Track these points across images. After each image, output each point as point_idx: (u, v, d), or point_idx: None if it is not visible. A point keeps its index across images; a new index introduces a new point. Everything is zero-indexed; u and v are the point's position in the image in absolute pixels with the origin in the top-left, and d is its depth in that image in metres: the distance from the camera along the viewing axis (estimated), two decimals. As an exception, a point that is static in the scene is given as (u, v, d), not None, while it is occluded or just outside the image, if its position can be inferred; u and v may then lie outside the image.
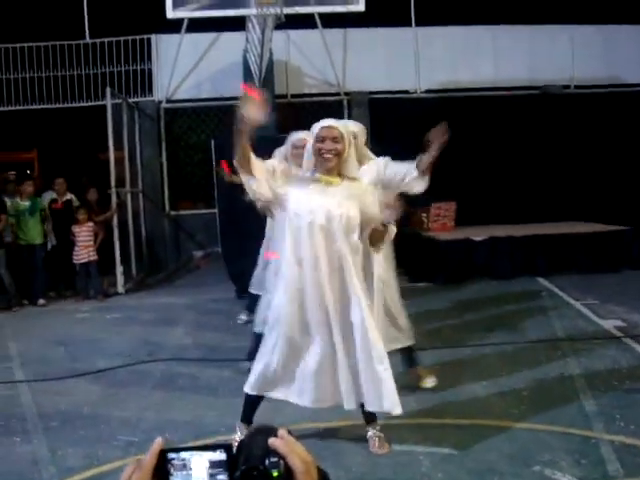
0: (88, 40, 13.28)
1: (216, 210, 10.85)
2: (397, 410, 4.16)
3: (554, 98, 13.69)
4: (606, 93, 13.77)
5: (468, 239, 10.88)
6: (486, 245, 10.81)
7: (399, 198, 4.32)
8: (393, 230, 4.47)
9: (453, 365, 6.16)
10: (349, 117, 13.53)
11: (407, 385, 5.43)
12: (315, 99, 13.66)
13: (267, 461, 1.04)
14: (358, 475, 4.00)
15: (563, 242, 10.91)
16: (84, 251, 10.52)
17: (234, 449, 1.08)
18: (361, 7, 10.60)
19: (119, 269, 11.00)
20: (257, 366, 4.28)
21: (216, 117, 13.59)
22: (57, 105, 13.31)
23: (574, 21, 13.72)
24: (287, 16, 10.08)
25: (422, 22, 13.59)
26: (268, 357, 4.22)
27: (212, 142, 11.12)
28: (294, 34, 13.20)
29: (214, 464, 1.07)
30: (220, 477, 1.07)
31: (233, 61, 12.60)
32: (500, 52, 13.70)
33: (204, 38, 13.27)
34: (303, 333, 4.18)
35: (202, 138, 13.36)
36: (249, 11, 9.93)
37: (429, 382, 5.50)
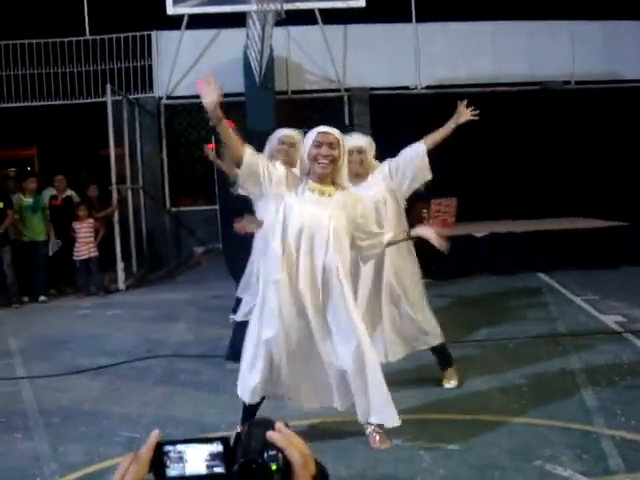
0: (88, 37, 13.28)
1: (217, 206, 10.86)
2: (389, 422, 4.17)
3: (554, 94, 13.67)
4: (606, 89, 13.75)
5: (469, 235, 10.88)
6: (487, 241, 10.82)
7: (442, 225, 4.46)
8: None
9: (454, 360, 6.15)
10: (349, 113, 13.56)
11: (408, 380, 5.45)
12: (315, 95, 13.65)
13: (265, 454, 1.04)
14: (359, 471, 4.00)
15: (563, 238, 10.92)
16: (84, 247, 10.52)
17: (231, 442, 1.08)
18: (361, 3, 10.57)
19: (120, 265, 11.01)
20: (250, 374, 4.27)
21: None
22: (57, 102, 13.31)
23: (574, 17, 13.71)
24: (287, 12, 10.06)
25: (422, 18, 13.58)
26: (258, 362, 4.23)
27: (212, 138, 11.10)
28: (294, 30, 13.19)
29: (211, 456, 1.07)
30: (217, 470, 1.07)
31: (233, 57, 12.59)
32: (500, 48, 13.68)
33: (204, 34, 13.26)
34: (287, 343, 4.18)
35: (202, 134, 13.34)
36: (249, 7, 9.91)
37: (451, 383, 5.47)
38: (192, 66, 13.38)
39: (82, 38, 13.27)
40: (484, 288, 9.67)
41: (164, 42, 13.48)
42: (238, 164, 4.18)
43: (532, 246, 10.82)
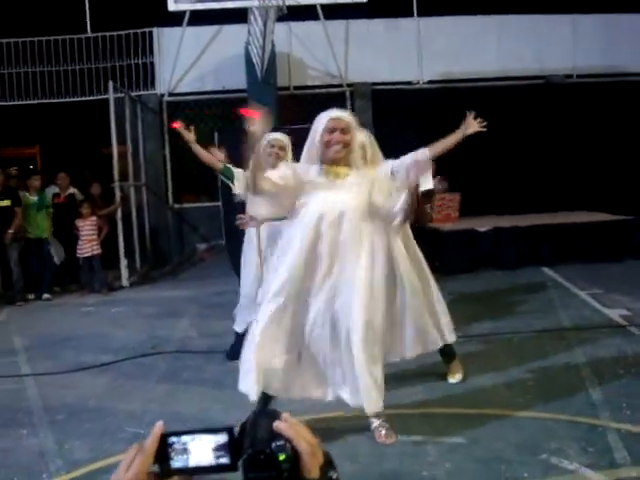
0: (90, 34, 13.27)
1: (219, 203, 10.85)
2: (370, 408, 4.15)
3: (556, 88, 13.65)
4: (609, 82, 13.71)
5: (472, 230, 10.87)
6: (491, 235, 10.81)
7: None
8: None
9: (459, 355, 6.14)
10: (352, 108, 13.52)
11: (414, 375, 5.45)
12: (318, 91, 13.63)
13: (273, 444, 1.03)
14: (364, 465, 4.00)
15: (567, 232, 10.90)
16: (88, 245, 10.53)
17: (236, 433, 1.08)
18: (363, -2, 10.58)
19: (123, 263, 11.01)
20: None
21: (219, 110, 13.58)
22: (59, 100, 13.31)
23: (576, 10, 13.67)
24: (289, 8, 10.06)
25: (424, 13, 13.56)
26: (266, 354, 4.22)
27: (215, 135, 11.11)
28: (296, 26, 13.17)
29: (216, 447, 1.07)
30: (222, 460, 1.07)
31: (235, 53, 12.58)
32: (502, 42, 13.65)
33: (206, 31, 13.25)
34: (297, 329, 4.19)
35: (205, 131, 13.31)
36: (251, 3, 9.90)
37: (456, 377, 5.44)
38: (194, 62, 13.38)
39: (83, 36, 13.27)
40: (488, 283, 9.66)
41: (166, 39, 13.46)
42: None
43: (536, 240, 10.80)
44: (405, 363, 5.26)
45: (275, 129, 8.21)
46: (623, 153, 13.19)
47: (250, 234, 6.06)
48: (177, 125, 6.12)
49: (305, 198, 4.20)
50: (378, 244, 4.33)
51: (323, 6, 12.28)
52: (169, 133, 13.73)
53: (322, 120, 4.22)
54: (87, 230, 10.56)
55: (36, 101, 13.28)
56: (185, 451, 1.07)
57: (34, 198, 10.40)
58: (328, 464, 1.09)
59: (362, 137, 5.00)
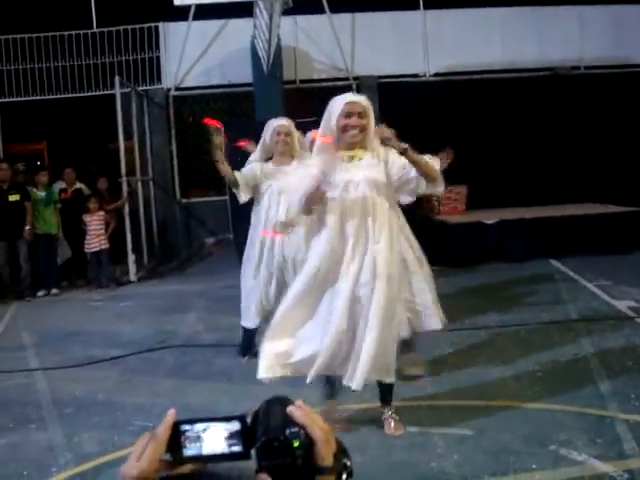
0: (96, 29, 13.27)
1: (227, 197, 10.85)
2: (353, 385, 4.10)
3: (563, 79, 13.60)
4: (616, 73, 13.66)
5: (479, 222, 10.86)
6: (498, 228, 10.79)
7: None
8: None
9: (467, 347, 6.16)
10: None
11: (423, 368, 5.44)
12: (324, 84, 13.61)
13: (287, 431, 1.03)
14: (373, 457, 4.00)
15: (575, 224, 10.87)
16: (95, 240, 10.55)
17: (249, 420, 1.08)
18: (369, -9, 10.55)
19: (131, 257, 11.03)
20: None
21: (225, 104, 13.58)
22: (66, 95, 13.31)
23: (583, 1, 13.62)
24: (295, 1, 10.04)
25: (430, 5, 13.52)
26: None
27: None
28: (302, 19, 13.15)
29: (229, 435, 1.07)
30: (235, 448, 1.06)
31: (241, 47, 12.58)
32: (509, 34, 13.59)
33: (212, 25, 13.24)
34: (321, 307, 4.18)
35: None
36: (256, -4, 9.89)
37: (416, 370, 5.38)
38: (200, 57, 13.37)
39: (89, 31, 13.26)
40: (495, 275, 9.64)
41: (171, 33, 13.46)
42: None
43: (543, 232, 10.78)
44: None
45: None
46: (630, 145, 13.15)
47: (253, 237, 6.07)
48: (211, 122, 6.03)
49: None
50: (395, 225, 4.32)
51: (329, -1, 12.27)
52: (176, 127, 13.74)
53: (338, 104, 4.19)
54: (95, 225, 10.58)
55: (43, 97, 13.28)
56: (198, 439, 1.07)
57: (42, 194, 10.43)
58: (341, 452, 1.09)
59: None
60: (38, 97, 13.28)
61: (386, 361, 4.14)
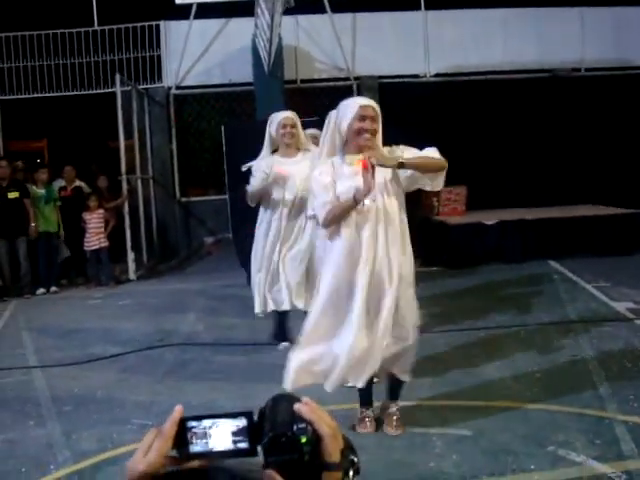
0: (97, 27, 13.26)
1: (226, 196, 10.85)
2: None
3: (564, 81, 13.60)
4: (617, 75, 13.67)
5: (479, 223, 10.86)
6: (497, 229, 10.79)
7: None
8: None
9: (466, 348, 6.16)
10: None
11: (421, 368, 5.43)
12: (324, 84, 13.61)
13: (295, 427, 1.04)
14: (372, 456, 4.00)
15: (574, 225, 10.88)
16: (95, 238, 10.55)
17: (255, 417, 1.08)
18: (370, -9, 10.54)
19: (130, 256, 11.03)
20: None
21: (226, 103, 13.58)
22: (66, 93, 13.30)
23: (584, 3, 13.62)
24: (296, 1, 10.04)
25: (431, 6, 13.51)
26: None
27: (222, 128, 11.11)
28: (303, 19, 13.15)
29: (236, 432, 1.07)
30: (241, 445, 1.07)
31: (242, 47, 12.57)
32: (510, 35, 13.60)
33: (213, 24, 13.23)
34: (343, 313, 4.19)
35: (212, 124, 13.34)
36: (258, -5, 9.89)
37: None
38: (201, 56, 13.37)
39: (90, 29, 13.25)
40: (495, 276, 9.65)
41: (173, 32, 13.45)
42: None
43: (543, 233, 10.78)
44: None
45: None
46: (631, 147, 13.15)
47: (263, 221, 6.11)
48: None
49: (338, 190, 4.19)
50: (405, 229, 4.33)
51: (330, -1, 12.26)
52: (176, 126, 13.74)
53: (352, 107, 4.17)
54: (94, 223, 10.58)
55: (43, 94, 13.28)
56: (205, 435, 1.07)
57: (41, 191, 10.43)
58: (348, 448, 1.09)
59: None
60: (39, 95, 13.27)
61: (406, 360, 4.23)
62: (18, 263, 10.08)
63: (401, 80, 13.55)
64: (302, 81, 13.59)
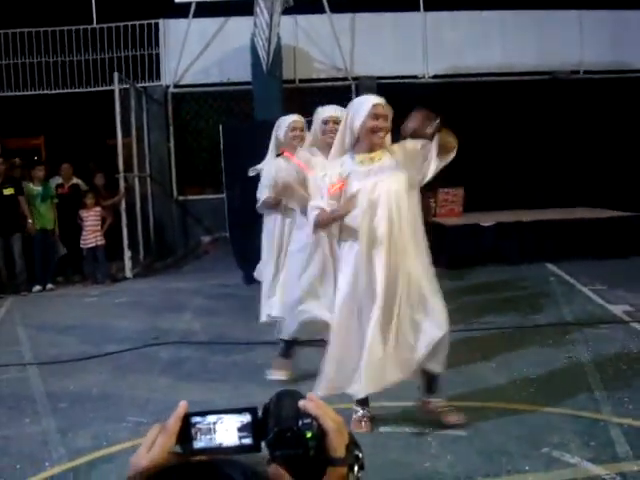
0: (95, 25, 13.25)
1: (224, 195, 10.85)
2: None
3: (563, 83, 13.61)
4: (615, 78, 13.68)
5: (476, 224, 10.87)
6: (494, 230, 10.80)
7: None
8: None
9: (462, 349, 6.14)
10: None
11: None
12: (323, 84, 13.61)
13: (300, 422, 1.04)
14: (368, 456, 3.95)
15: (571, 228, 10.89)
16: (91, 236, 10.54)
17: (259, 413, 1.08)
18: (369, -9, 10.54)
19: (127, 254, 11.02)
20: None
21: (224, 102, 13.57)
22: (64, 90, 13.29)
23: (583, 6, 13.62)
24: (295, 0, 10.04)
25: (430, 7, 13.51)
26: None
27: (220, 127, 11.11)
28: (302, 19, 13.14)
29: (239, 428, 1.07)
30: (245, 441, 1.07)
31: (241, 46, 12.56)
32: (508, 37, 13.61)
33: (212, 23, 13.22)
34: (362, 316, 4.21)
35: (210, 123, 13.32)
36: (257, -5, 9.88)
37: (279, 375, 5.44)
38: (199, 54, 13.35)
39: (89, 26, 13.24)
40: (491, 277, 9.65)
41: (171, 30, 13.43)
42: None
43: (540, 235, 10.80)
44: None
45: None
46: (628, 149, 13.16)
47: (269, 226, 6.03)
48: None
49: (347, 191, 4.20)
50: (420, 230, 4.35)
51: (329, -1, 12.25)
52: (174, 125, 13.72)
53: (365, 106, 4.18)
54: (91, 221, 10.57)
55: (41, 92, 13.26)
56: (209, 431, 1.07)
57: (38, 188, 10.42)
58: (353, 443, 1.09)
59: (339, 112, 5.08)
60: (36, 92, 13.25)
61: (436, 351, 4.26)
62: (14, 260, 10.07)
63: (400, 81, 13.53)
64: (300, 81, 13.58)
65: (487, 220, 10.94)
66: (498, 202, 12.24)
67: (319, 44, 13.41)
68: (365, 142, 4.19)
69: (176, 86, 13.55)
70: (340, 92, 13.37)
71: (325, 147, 5.17)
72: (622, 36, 13.71)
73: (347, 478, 1.07)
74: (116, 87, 11.29)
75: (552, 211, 11.85)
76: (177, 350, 6.64)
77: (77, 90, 13.27)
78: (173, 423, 1.06)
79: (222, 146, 10.62)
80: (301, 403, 1.06)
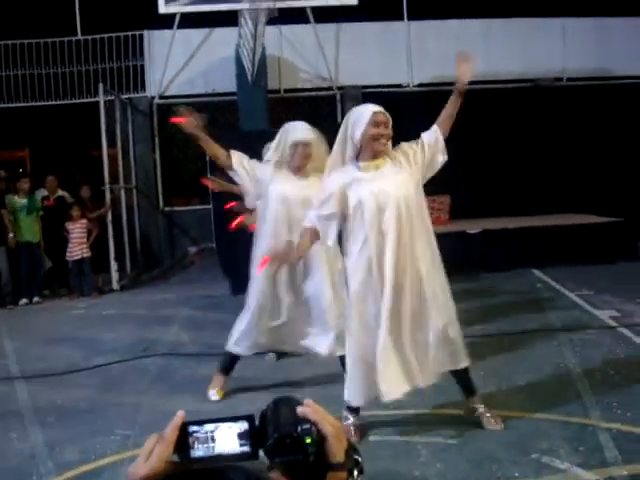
0: (80, 37, 13.24)
1: (210, 206, 10.84)
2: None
3: (546, 91, 13.69)
4: (598, 85, 13.77)
5: (462, 232, 10.90)
6: (480, 238, 10.84)
7: None
8: None
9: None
10: (342, 111, 13.55)
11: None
12: (308, 94, 13.65)
13: (299, 428, 1.04)
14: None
15: (557, 234, 10.94)
16: (77, 248, 10.50)
17: (256, 420, 1.08)
18: (353, 1, 10.51)
19: (113, 266, 10.99)
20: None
21: (209, 112, 13.55)
22: (49, 102, 13.26)
23: (566, 14, 13.72)
24: (279, 11, 10.05)
25: (414, 16, 13.58)
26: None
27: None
28: (286, 29, 13.18)
29: (237, 436, 1.07)
30: (243, 448, 1.07)
31: (226, 56, 12.58)
32: (492, 45, 13.67)
33: (196, 34, 13.24)
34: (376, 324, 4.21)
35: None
36: (242, 5, 9.88)
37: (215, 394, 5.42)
38: (184, 65, 13.37)
39: (74, 38, 13.23)
40: (478, 285, 9.67)
41: (156, 41, 13.45)
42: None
43: (526, 242, 10.85)
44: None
45: (265, 132, 8.22)
46: (612, 156, 13.24)
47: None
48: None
49: (353, 197, 4.20)
50: (431, 234, 4.43)
51: (313, 9, 12.26)
52: (159, 136, 13.71)
53: (365, 114, 4.21)
54: (77, 233, 10.53)
55: (26, 104, 13.23)
56: (207, 440, 1.07)
57: (23, 201, 10.36)
58: (352, 448, 1.10)
59: (311, 135, 5.13)
60: (21, 104, 13.22)
61: (453, 347, 4.36)
62: (-1, 273, 10.04)
63: (384, 90, 13.59)
64: (285, 91, 13.61)
65: (473, 227, 10.98)
66: (484, 209, 12.28)
67: (304, 54, 13.44)
68: (368, 150, 4.22)
69: (161, 97, 13.55)
70: (325, 101, 13.44)
71: (293, 169, 5.12)
72: (605, 43, 13.81)
73: None
74: (101, 99, 11.28)
75: (538, 218, 11.90)
76: (165, 362, 6.61)
77: (62, 102, 13.25)
78: (170, 432, 1.06)
79: (208, 157, 10.59)
80: (300, 409, 1.06)
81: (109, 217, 11.16)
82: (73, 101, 13.24)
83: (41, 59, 13.15)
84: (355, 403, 4.35)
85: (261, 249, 5.09)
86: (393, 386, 4.20)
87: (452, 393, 5.12)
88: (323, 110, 13.62)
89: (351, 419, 4.41)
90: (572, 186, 12.93)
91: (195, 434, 1.07)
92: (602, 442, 4.07)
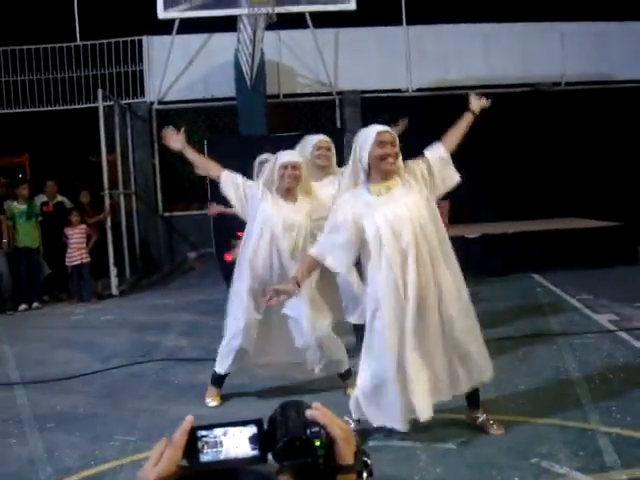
0: (79, 42, 13.25)
1: (209, 211, 10.83)
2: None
3: (545, 95, 13.71)
4: (597, 90, 13.79)
5: (462, 237, 10.89)
6: (480, 242, 10.84)
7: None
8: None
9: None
10: (341, 116, 13.57)
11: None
12: (307, 99, 13.66)
13: (308, 431, 1.05)
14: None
15: (556, 238, 10.95)
16: (77, 253, 10.50)
17: (265, 424, 1.09)
18: (352, 6, 10.54)
19: (113, 271, 10.98)
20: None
21: (208, 118, 13.59)
22: (48, 108, 13.27)
23: (565, 18, 13.75)
24: (278, 16, 10.07)
25: (413, 21, 13.60)
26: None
27: (205, 142, 11.10)
28: (285, 34, 13.20)
29: (246, 440, 1.07)
30: (252, 452, 1.07)
31: (225, 62, 12.60)
32: (491, 50, 13.71)
33: (195, 39, 13.26)
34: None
35: (194, 139, 13.28)
36: (241, 11, 9.89)
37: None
38: (183, 71, 13.38)
39: (73, 44, 13.25)
40: (478, 289, 9.65)
41: (155, 47, 13.46)
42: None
43: (525, 247, 10.86)
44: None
45: (264, 137, 8.25)
46: (611, 160, 13.26)
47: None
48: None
49: (370, 228, 4.20)
50: (446, 239, 4.45)
51: (312, 14, 12.26)
52: (159, 141, 13.71)
53: (370, 136, 4.20)
54: (76, 238, 10.53)
55: (25, 109, 13.24)
56: (216, 444, 1.07)
57: (22, 207, 10.37)
58: (361, 451, 1.10)
59: (298, 157, 5.22)
60: (20, 110, 13.23)
61: (477, 362, 4.33)
62: (-1, 279, 10.04)
63: (383, 95, 13.61)
64: (285, 96, 13.62)
65: (473, 232, 10.98)
66: (483, 214, 12.28)
67: (303, 59, 13.46)
68: (377, 171, 4.21)
69: (160, 102, 13.56)
70: (324, 106, 13.45)
71: (282, 192, 5.13)
72: (603, 48, 13.84)
73: None
74: (100, 104, 11.28)
75: (537, 222, 11.91)
76: (165, 367, 6.61)
77: (61, 107, 13.26)
78: (179, 437, 1.07)
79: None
80: (308, 412, 1.07)
81: (108, 222, 11.16)
82: (72, 107, 13.25)
83: (40, 65, 13.16)
84: (398, 427, 4.23)
85: (243, 262, 5.22)
86: (426, 404, 4.21)
87: (451, 398, 5.12)
88: (322, 115, 13.63)
89: (352, 424, 4.41)
90: (571, 190, 12.96)
91: (204, 438, 1.07)
92: (601, 446, 4.07)
